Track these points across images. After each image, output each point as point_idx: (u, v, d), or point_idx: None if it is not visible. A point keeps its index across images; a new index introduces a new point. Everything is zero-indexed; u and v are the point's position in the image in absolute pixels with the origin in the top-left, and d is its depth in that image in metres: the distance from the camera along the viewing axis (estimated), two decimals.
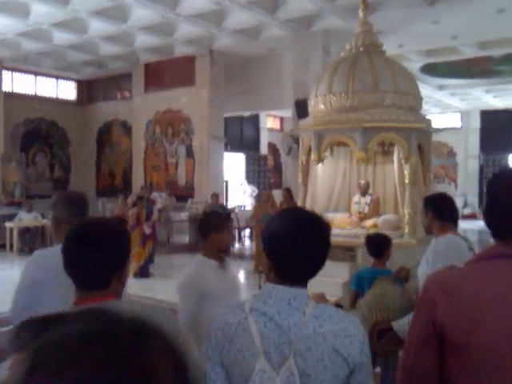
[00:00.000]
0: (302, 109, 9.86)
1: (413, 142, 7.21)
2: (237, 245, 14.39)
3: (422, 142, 7.49)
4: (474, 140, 23.15)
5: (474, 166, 23.11)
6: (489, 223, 1.56)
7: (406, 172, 7.23)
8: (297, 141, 9.49)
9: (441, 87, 18.69)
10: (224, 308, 1.69)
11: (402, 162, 7.28)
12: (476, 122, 23.15)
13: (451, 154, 23.67)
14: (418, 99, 7.80)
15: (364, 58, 7.50)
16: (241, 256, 12.87)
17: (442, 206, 3.43)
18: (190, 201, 14.03)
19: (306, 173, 7.97)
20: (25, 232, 13.22)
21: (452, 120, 23.71)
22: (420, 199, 5.69)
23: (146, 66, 15.26)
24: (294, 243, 1.58)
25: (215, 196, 11.31)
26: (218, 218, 3.23)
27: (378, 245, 4.30)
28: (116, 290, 1.69)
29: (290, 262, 1.59)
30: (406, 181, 7.24)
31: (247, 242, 14.70)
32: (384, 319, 3.16)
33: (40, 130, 16.87)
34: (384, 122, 7.13)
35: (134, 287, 6.93)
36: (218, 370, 1.59)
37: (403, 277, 3.99)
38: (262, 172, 20.55)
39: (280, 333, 1.52)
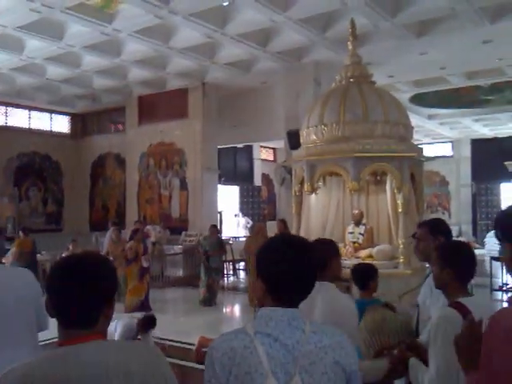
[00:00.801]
0: (294, 140, 9.92)
1: (405, 171, 7.22)
2: (231, 278, 14.26)
3: (414, 171, 7.50)
4: (466, 168, 23.21)
5: (466, 194, 23.07)
6: None
7: (399, 201, 7.20)
8: (290, 171, 9.51)
9: (430, 117, 18.92)
10: (225, 335, 1.71)
11: (395, 191, 7.27)
12: (467, 151, 23.29)
13: (443, 182, 23.70)
14: (409, 129, 7.85)
15: (354, 88, 7.58)
16: (235, 289, 12.74)
17: (445, 229, 3.37)
18: (183, 233, 13.95)
19: (300, 203, 7.96)
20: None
21: (443, 149, 23.89)
22: (414, 228, 5.65)
23: (140, 99, 15.38)
24: (288, 263, 1.69)
25: (214, 227, 10.78)
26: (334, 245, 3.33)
27: (364, 275, 4.28)
28: (104, 327, 1.65)
29: (284, 283, 1.69)
30: (400, 210, 7.22)
31: (242, 274, 14.52)
32: (388, 344, 3.10)
33: (33, 164, 16.86)
34: (375, 152, 7.16)
35: None
36: None
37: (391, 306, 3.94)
38: (256, 203, 20.55)
39: (284, 352, 1.61)
